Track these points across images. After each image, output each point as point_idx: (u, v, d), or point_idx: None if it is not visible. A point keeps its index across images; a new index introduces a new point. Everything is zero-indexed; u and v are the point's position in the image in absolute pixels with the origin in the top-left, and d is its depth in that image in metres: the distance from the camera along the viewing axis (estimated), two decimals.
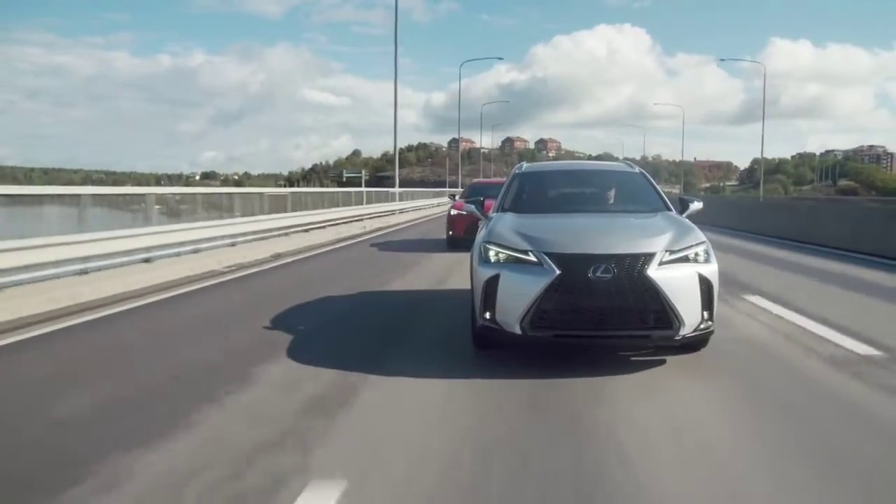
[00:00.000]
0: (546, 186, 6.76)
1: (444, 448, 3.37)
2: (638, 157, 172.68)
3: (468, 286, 5.53)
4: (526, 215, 5.72)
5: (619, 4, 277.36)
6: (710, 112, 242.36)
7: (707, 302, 4.75)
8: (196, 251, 11.79)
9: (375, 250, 14.41)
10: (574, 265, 4.64)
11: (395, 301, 8.00)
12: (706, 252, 4.91)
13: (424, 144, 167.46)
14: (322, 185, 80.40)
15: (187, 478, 3.00)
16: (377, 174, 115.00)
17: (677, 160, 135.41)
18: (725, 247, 12.73)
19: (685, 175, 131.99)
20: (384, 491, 2.91)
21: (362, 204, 25.07)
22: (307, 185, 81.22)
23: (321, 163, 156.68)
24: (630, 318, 4.69)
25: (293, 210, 17.77)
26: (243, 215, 14.99)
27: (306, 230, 17.62)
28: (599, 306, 4.64)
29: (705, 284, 4.74)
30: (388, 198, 29.97)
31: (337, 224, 20.25)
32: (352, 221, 21.87)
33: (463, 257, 6.90)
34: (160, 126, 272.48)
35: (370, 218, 24.20)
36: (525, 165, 7.30)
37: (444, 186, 59.71)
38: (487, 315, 4.88)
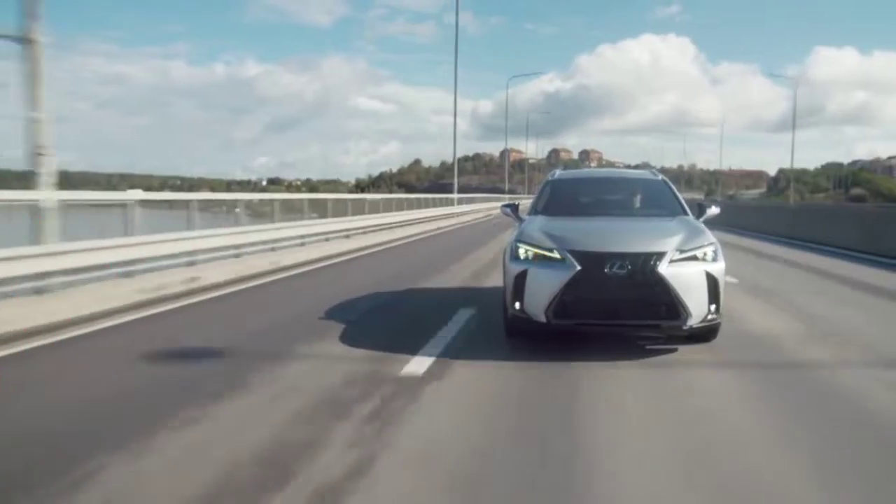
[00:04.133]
0: (575, 192, 6.81)
1: None
2: (675, 166, 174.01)
3: None
4: (555, 218, 5.85)
5: (664, 16, 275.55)
6: (753, 119, 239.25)
7: (714, 296, 4.90)
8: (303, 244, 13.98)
9: None
10: (593, 262, 4.81)
11: None
12: (714, 252, 5.04)
13: (479, 154, 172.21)
14: (391, 191, 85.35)
15: None
16: (438, 181, 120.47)
17: (712, 168, 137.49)
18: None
19: (714, 183, 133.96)
20: None
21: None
22: (377, 192, 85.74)
23: (388, 170, 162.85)
24: (643, 309, 4.86)
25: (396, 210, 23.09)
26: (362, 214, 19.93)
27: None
28: (615, 298, 4.84)
29: (712, 281, 4.89)
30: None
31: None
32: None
33: None
34: (216, 132, 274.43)
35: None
36: (558, 173, 7.42)
37: (498, 193, 64.02)
38: (517, 305, 5.07)
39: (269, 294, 8.81)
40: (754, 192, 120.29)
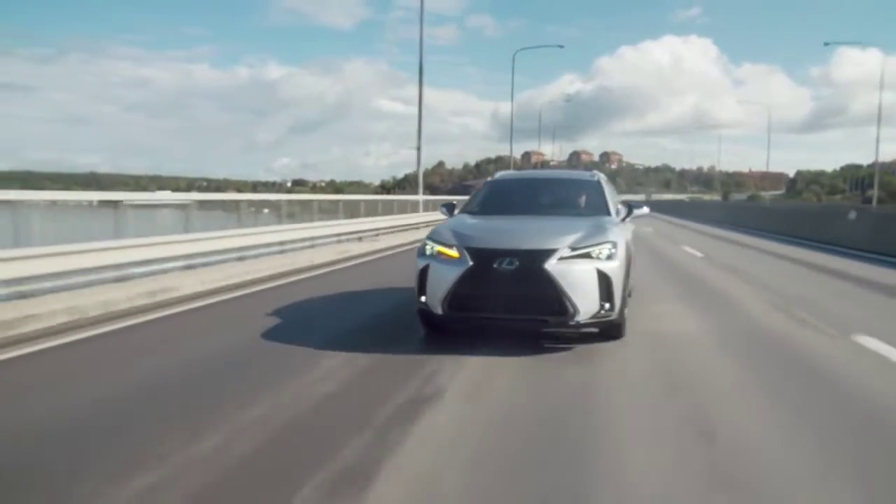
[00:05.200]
0: (509, 192, 6.95)
1: None
2: (695, 168, 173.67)
3: None
4: (479, 216, 6.12)
5: (684, 18, 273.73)
6: (776, 120, 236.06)
7: (606, 293, 4.95)
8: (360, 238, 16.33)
9: None
10: (484, 258, 4.96)
11: None
12: (610, 251, 5.08)
13: (501, 157, 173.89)
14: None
15: None
16: (462, 183, 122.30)
17: (730, 171, 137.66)
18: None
19: (733, 184, 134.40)
20: None
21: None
22: (402, 193, 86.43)
23: (412, 172, 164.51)
24: (531, 304, 4.95)
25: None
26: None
27: None
28: (505, 294, 4.95)
29: (604, 278, 4.94)
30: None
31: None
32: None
33: None
34: (237, 134, 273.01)
35: None
36: (499, 174, 7.67)
37: None
38: (422, 299, 5.23)
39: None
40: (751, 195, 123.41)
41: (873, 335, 5.80)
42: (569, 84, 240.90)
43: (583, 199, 6.50)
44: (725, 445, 3.29)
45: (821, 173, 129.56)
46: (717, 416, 3.73)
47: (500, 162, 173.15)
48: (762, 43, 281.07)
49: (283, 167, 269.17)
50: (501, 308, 5.03)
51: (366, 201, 18.93)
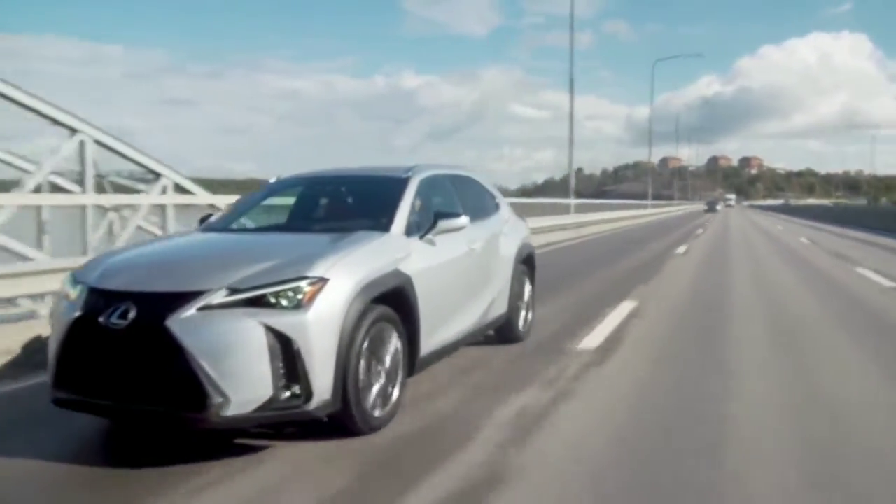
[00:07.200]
0: (282, 198, 5.10)
1: None
2: (840, 171, 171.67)
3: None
4: (221, 231, 4.27)
5: (831, 16, 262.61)
6: None
7: (288, 368, 2.91)
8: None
9: None
10: (92, 306, 3.07)
11: None
12: (302, 293, 2.99)
13: (638, 162, 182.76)
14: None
15: None
16: (601, 188, 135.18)
17: (881, 174, 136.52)
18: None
19: (883, 188, 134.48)
20: None
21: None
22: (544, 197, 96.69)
23: (552, 177, 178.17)
24: (148, 385, 2.91)
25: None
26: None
27: None
28: (112, 364, 2.96)
29: (281, 342, 2.89)
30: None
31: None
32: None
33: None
34: (376, 141, 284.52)
35: None
36: (290, 174, 5.24)
37: (667, 199, 71.62)
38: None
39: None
40: None
41: None
42: (707, 86, 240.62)
43: (369, 208, 4.33)
44: None
45: None
46: None
47: (637, 167, 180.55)
48: None
49: None
50: (111, 390, 2.96)
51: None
